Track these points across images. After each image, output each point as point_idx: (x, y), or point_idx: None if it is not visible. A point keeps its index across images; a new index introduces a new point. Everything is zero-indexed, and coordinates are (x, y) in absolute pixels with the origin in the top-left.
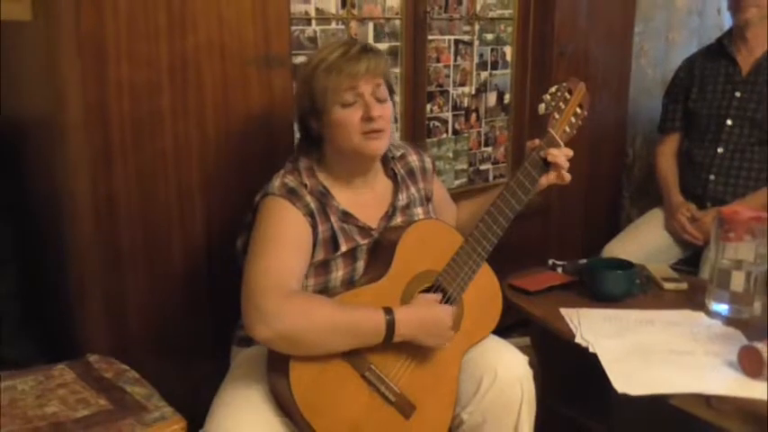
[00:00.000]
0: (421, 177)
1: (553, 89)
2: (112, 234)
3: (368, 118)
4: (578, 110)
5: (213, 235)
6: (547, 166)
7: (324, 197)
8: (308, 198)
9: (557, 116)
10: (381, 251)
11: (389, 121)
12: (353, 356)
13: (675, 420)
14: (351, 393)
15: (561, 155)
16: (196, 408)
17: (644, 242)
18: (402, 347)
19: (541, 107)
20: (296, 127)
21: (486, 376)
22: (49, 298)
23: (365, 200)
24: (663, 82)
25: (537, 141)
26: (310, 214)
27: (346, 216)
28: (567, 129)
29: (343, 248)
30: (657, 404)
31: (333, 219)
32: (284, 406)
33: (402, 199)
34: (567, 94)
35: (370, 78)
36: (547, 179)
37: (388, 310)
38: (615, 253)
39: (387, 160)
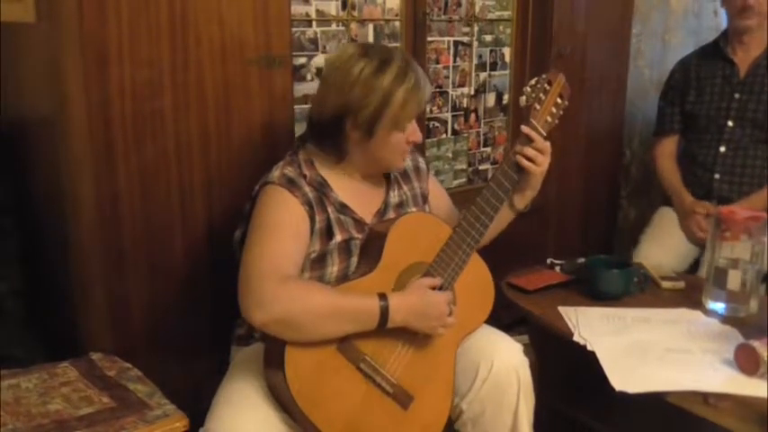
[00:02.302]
0: (415, 177)
1: (533, 81)
2: (115, 233)
3: (412, 142)
4: (559, 100)
5: (215, 234)
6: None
7: (322, 188)
8: (307, 188)
9: (537, 107)
10: (371, 245)
11: None
12: (347, 348)
13: (675, 418)
14: (347, 385)
15: (531, 153)
16: (198, 405)
17: (671, 245)
18: (396, 338)
19: (522, 99)
20: (300, 119)
21: (483, 365)
22: (52, 297)
23: (361, 193)
24: (659, 83)
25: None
26: (308, 204)
27: (343, 208)
28: (549, 119)
29: (338, 238)
30: (657, 402)
31: (330, 209)
32: (282, 401)
33: (394, 196)
34: (546, 85)
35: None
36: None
37: (383, 296)
38: (644, 260)
39: None
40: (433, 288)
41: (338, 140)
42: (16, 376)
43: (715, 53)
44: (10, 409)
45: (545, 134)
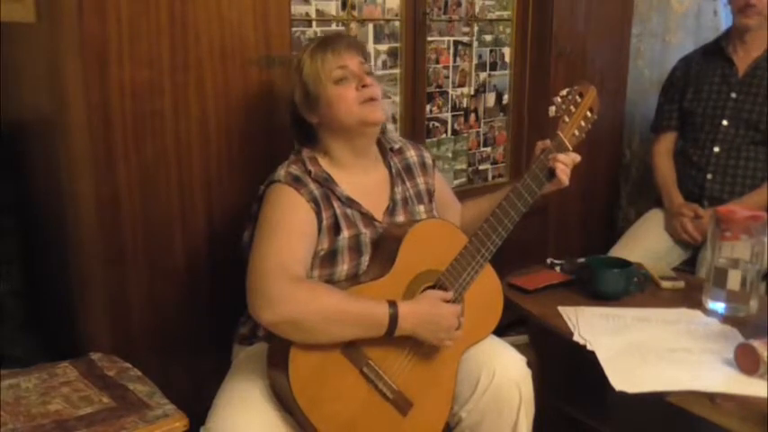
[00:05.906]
0: (420, 172)
1: (564, 92)
2: (115, 233)
3: (362, 86)
4: (588, 114)
5: (215, 234)
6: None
7: (327, 183)
8: (312, 185)
9: (566, 119)
10: (385, 248)
11: (381, 94)
12: (352, 351)
13: (674, 418)
14: (349, 388)
15: (567, 161)
16: (198, 405)
17: (646, 246)
18: (401, 344)
19: (552, 110)
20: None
21: (485, 376)
22: (52, 297)
23: (367, 187)
24: (659, 83)
25: (547, 142)
26: (314, 201)
27: (350, 202)
28: (577, 132)
29: (346, 234)
30: (657, 402)
31: (336, 205)
32: (283, 400)
33: (399, 192)
34: (577, 97)
35: (353, 54)
36: (551, 185)
37: (392, 304)
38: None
39: (385, 150)
40: (445, 301)
41: (307, 131)
42: (16, 376)
43: (716, 52)
44: (10, 409)
45: (570, 148)
